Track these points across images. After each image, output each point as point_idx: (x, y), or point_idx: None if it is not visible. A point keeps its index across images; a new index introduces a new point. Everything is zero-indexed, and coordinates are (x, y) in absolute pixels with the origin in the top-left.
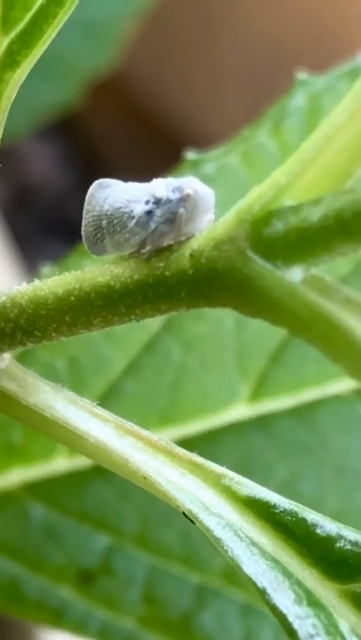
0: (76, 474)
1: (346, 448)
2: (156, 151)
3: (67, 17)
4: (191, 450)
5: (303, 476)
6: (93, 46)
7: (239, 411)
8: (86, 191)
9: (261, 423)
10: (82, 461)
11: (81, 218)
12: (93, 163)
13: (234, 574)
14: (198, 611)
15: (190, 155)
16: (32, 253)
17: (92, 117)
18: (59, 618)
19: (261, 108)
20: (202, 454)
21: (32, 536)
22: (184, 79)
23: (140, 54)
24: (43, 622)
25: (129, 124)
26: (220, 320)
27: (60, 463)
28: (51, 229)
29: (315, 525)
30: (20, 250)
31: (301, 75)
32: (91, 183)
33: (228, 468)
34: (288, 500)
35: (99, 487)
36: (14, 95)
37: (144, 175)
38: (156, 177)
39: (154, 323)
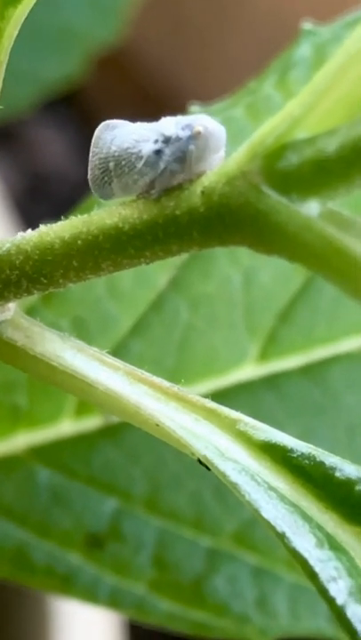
0: (83, 437)
1: (358, 406)
2: None
3: None
4: None
5: (315, 435)
6: (99, 18)
7: (248, 370)
8: None
9: (271, 383)
10: (88, 424)
11: None
12: None
13: (246, 537)
14: (210, 574)
15: (194, 108)
16: None
17: (106, 105)
18: (68, 584)
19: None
20: None
21: (39, 501)
22: (196, 65)
23: (154, 40)
24: (51, 589)
25: (143, 112)
26: (228, 278)
27: (67, 426)
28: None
29: (333, 469)
30: None
31: (307, 25)
32: None
33: None
34: (305, 444)
35: (106, 450)
36: (16, 33)
37: None
38: None
39: (160, 280)
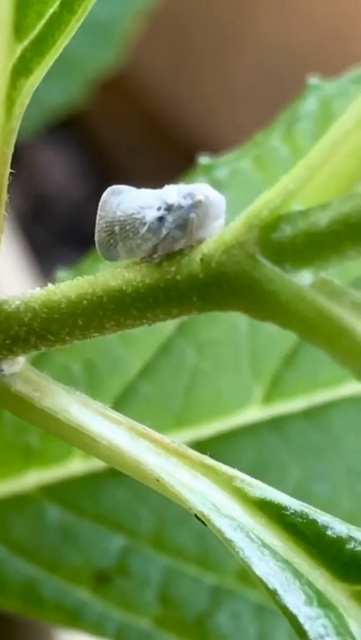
0: (92, 476)
1: (359, 449)
2: (170, 160)
3: (78, 24)
4: (205, 452)
5: (317, 477)
6: (99, 45)
7: (253, 413)
8: None
9: (275, 425)
10: (97, 464)
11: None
12: (108, 173)
13: (249, 575)
14: (214, 611)
15: (203, 159)
16: (48, 263)
17: (107, 127)
18: (76, 619)
19: (273, 115)
20: (216, 456)
21: (48, 538)
22: (198, 88)
23: (153, 63)
24: (60, 623)
25: (144, 133)
26: (234, 323)
27: (76, 465)
28: (66, 239)
29: (325, 527)
30: (36, 259)
31: (313, 80)
32: None
33: (243, 469)
34: (299, 502)
35: (114, 489)
36: (27, 102)
37: (159, 184)
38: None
39: (168, 326)
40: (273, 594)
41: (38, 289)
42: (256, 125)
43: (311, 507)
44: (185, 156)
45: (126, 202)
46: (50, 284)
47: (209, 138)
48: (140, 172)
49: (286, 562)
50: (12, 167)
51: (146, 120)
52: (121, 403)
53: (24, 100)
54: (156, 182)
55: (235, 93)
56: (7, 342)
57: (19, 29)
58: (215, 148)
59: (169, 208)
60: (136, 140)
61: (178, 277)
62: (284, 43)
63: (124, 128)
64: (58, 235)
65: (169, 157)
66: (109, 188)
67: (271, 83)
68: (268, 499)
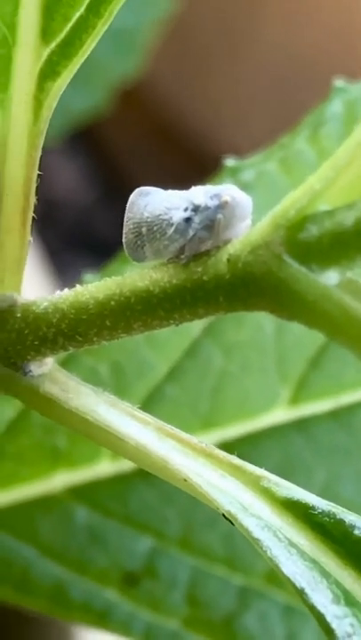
0: (120, 477)
1: None
2: (179, 166)
3: (105, 28)
4: (232, 453)
5: (342, 478)
6: (120, 53)
7: (279, 414)
8: (110, 207)
9: (301, 426)
10: (125, 465)
11: (105, 232)
12: (117, 179)
13: (276, 576)
14: (241, 612)
15: (229, 162)
16: (57, 268)
17: (115, 133)
18: (104, 620)
19: (284, 121)
20: (243, 457)
21: (77, 539)
22: (207, 95)
23: (163, 70)
24: (88, 624)
25: (152, 139)
26: (260, 325)
27: (104, 467)
28: (75, 244)
29: (353, 526)
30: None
31: (338, 82)
32: (114, 199)
33: (269, 470)
34: (326, 502)
35: (142, 490)
36: (55, 104)
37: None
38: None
39: (195, 328)
40: (300, 593)
41: (66, 290)
42: (265, 131)
43: (338, 507)
44: (193, 162)
45: (153, 203)
46: (78, 286)
47: (217, 144)
48: (148, 177)
49: (314, 561)
50: None
51: (153, 126)
52: (148, 405)
53: (51, 102)
54: (165, 188)
55: (243, 100)
56: (35, 343)
57: (46, 32)
58: (224, 155)
59: (196, 209)
60: (144, 145)
61: (204, 278)
62: (292, 49)
63: (131, 134)
64: (65, 239)
65: (177, 163)
66: (137, 190)
67: (280, 89)
68: (296, 498)
